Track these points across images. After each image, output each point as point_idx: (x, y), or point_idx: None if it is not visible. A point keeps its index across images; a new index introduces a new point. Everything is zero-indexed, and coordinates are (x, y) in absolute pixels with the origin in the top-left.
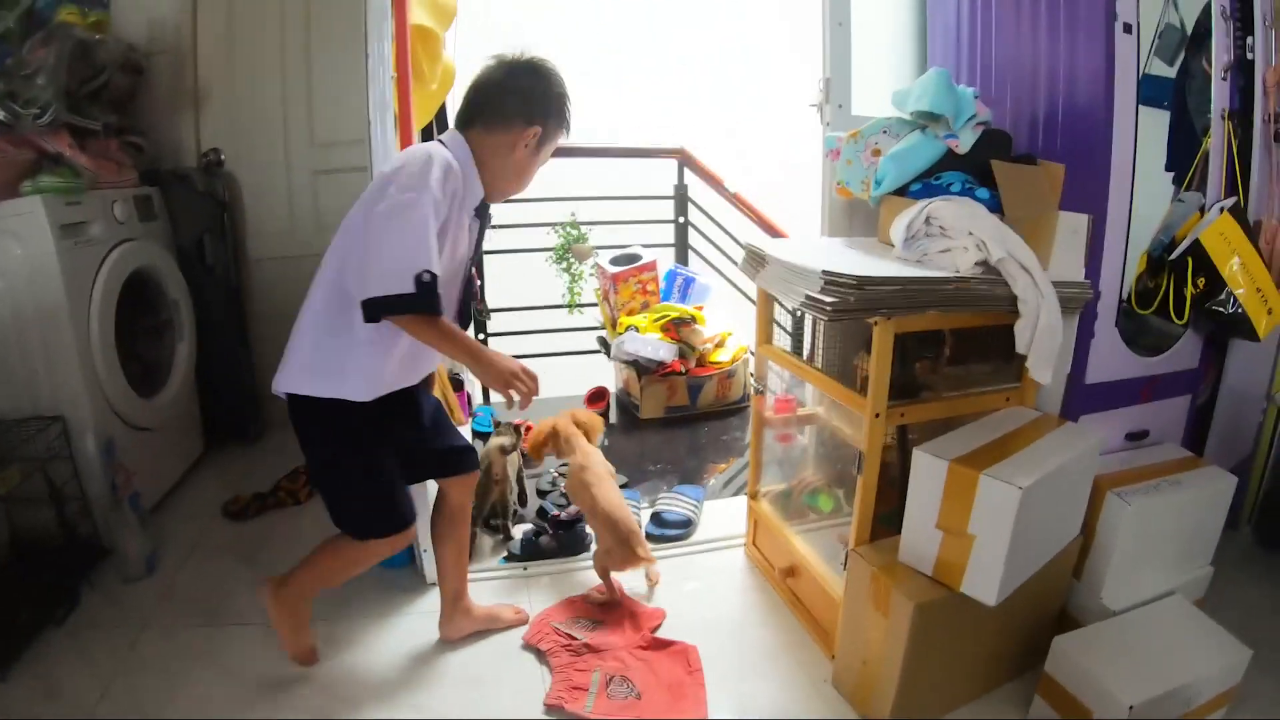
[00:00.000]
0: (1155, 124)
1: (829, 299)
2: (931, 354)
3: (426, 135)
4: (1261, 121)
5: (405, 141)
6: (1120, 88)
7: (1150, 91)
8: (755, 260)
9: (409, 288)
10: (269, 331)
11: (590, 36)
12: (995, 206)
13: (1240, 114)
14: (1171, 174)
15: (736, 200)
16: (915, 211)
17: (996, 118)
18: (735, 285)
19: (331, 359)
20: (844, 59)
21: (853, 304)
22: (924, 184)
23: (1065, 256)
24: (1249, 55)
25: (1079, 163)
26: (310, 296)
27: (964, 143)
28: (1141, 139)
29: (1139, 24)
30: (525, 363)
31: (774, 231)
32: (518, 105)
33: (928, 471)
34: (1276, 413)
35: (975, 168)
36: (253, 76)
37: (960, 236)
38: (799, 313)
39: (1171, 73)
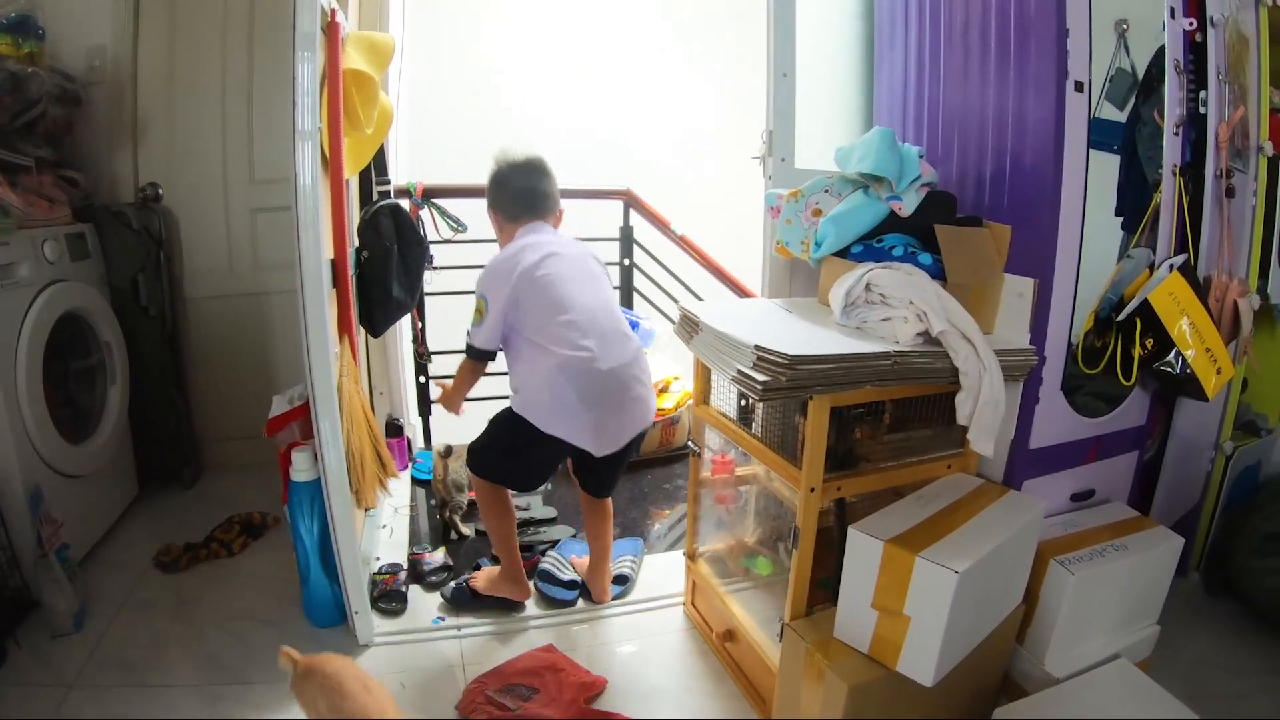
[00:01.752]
0: (1105, 169)
1: (760, 377)
2: (871, 421)
3: (365, 180)
4: (1213, 176)
5: (335, 187)
6: (1070, 148)
7: (1100, 135)
8: (689, 325)
9: None
10: (206, 373)
11: (538, 77)
12: (938, 272)
13: (1191, 168)
14: (1120, 219)
15: (683, 243)
16: (855, 279)
17: (943, 173)
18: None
19: None
20: (788, 111)
21: (784, 383)
22: (865, 246)
23: (1010, 321)
24: (1201, 109)
25: (1026, 223)
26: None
27: (907, 205)
28: (1091, 184)
29: (1090, 76)
30: (466, 406)
31: (721, 274)
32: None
33: (863, 550)
34: (1225, 462)
35: (919, 230)
36: (193, 110)
37: (901, 306)
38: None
39: (1122, 117)
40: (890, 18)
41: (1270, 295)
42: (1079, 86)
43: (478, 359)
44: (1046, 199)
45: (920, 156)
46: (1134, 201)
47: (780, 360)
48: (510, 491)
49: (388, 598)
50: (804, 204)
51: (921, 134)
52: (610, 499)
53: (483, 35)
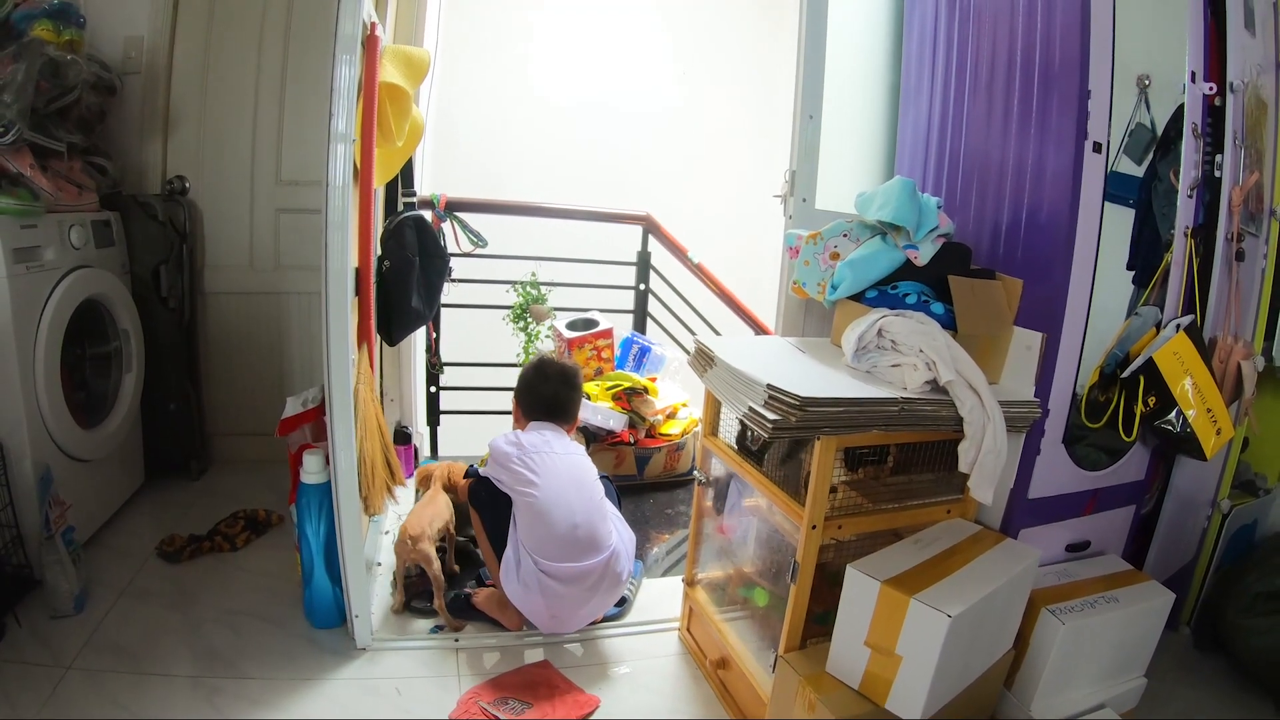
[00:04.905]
0: (1120, 221)
1: (771, 415)
2: (875, 463)
3: (391, 190)
4: (1224, 239)
5: (364, 197)
6: (1085, 208)
7: (1117, 189)
8: (704, 359)
9: None
10: (219, 367)
11: (564, 97)
12: (949, 322)
13: (1203, 229)
14: (1132, 273)
15: (699, 271)
16: (867, 324)
17: (960, 221)
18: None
19: None
20: (812, 153)
21: (794, 423)
22: (880, 292)
23: (1017, 372)
24: (1217, 173)
25: (1038, 278)
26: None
27: (924, 254)
28: (1106, 236)
29: (1109, 135)
30: (474, 418)
31: (734, 304)
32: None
33: (860, 590)
34: (1221, 520)
35: (933, 280)
36: (225, 106)
37: (911, 353)
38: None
39: (1139, 172)
40: (918, 66)
41: (1275, 357)
42: (1097, 147)
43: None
44: (1059, 256)
45: (939, 207)
46: (1146, 257)
47: (791, 401)
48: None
49: (422, 597)
50: (822, 247)
51: (941, 181)
52: None
53: (512, 54)
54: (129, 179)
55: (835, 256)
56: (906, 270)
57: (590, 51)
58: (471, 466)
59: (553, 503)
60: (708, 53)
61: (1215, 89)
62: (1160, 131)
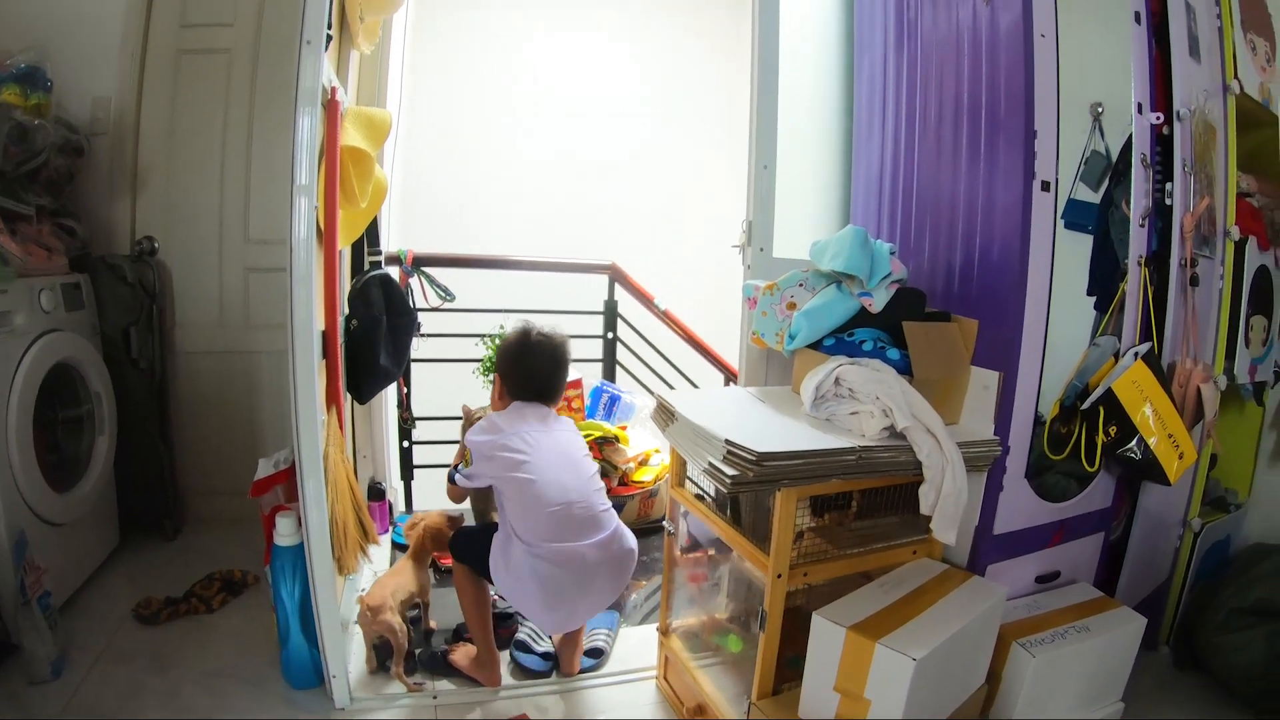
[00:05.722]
0: (1079, 248)
1: (730, 470)
2: (839, 509)
3: (357, 250)
4: (1178, 265)
5: (329, 260)
6: (1036, 246)
7: (1075, 216)
8: (665, 415)
9: None
10: (192, 426)
11: (532, 146)
12: (906, 367)
13: (1158, 256)
14: (1094, 299)
15: (666, 318)
16: (824, 373)
17: (915, 263)
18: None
19: None
20: (767, 202)
21: (752, 478)
22: (837, 339)
23: (976, 411)
24: (1168, 201)
25: (993, 318)
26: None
27: (878, 301)
28: (1066, 264)
29: (1057, 179)
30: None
31: (702, 348)
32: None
33: (826, 636)
34: (1193, 539)
35: (889, 325)
36: (192, 165)
37: (868, 401)
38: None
39: (1096, 198)
40: (868, 112)
41: (1236, 375)
42: (1045, 186)
43: (459, 489)
44: (1013, 295)
45: (892, 253)
46: (1105, 282)
47: (748, 456)
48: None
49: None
50: (779, 297)
51: (895, 224)
52: None
53: (479, 106)
54: (98, 240)
55: (792, 306)
56: (862, 317)
57: (557, 100)
58: (454, 470)
59: (545, 481)
60: (673, 98)
61: (1162, 118)
62: (1115, 158)
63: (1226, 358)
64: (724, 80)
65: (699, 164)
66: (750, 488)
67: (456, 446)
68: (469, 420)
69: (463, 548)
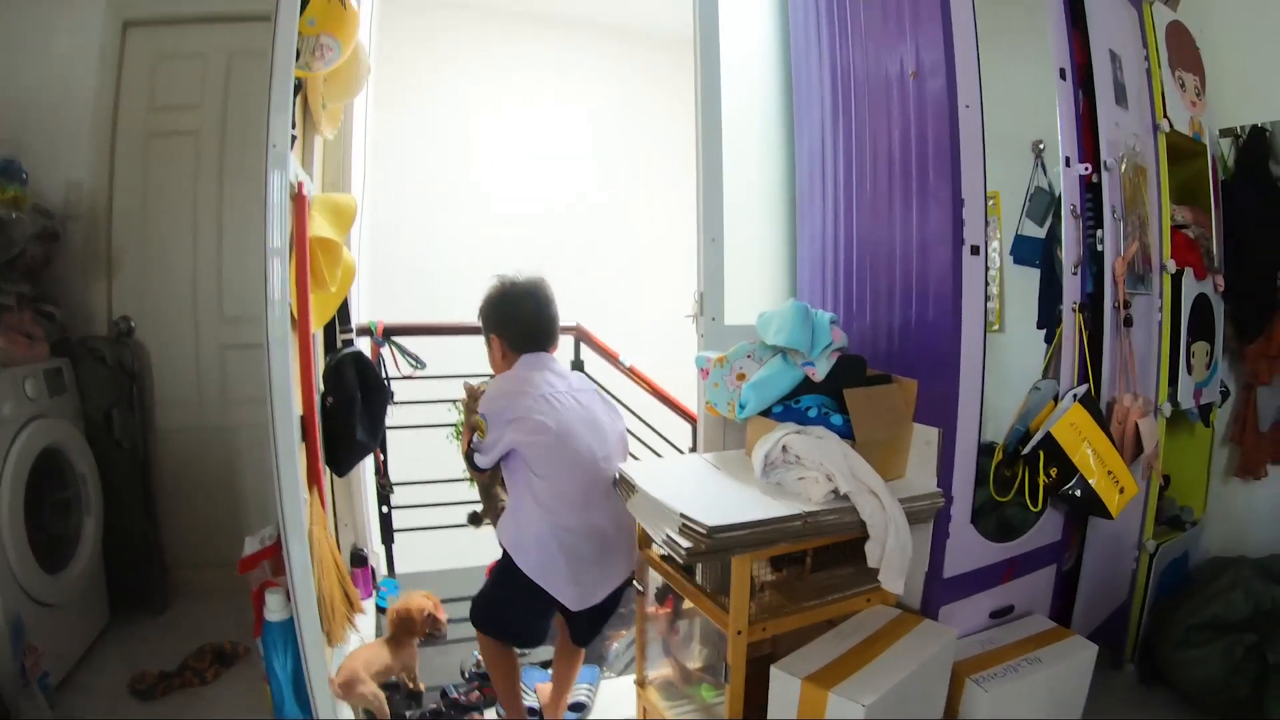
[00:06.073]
0: (1028, 282)
1: (685, 543)
2: (795, 565)
3: (329, 330)
4: (1111, 308)
5: (304, 348)
6: (968, 306)
7: (1022, 251)
8: (626, 487)
9: None
10: (177, 501)
11: (498, 207)
12: (848, 432)
13: (1094, 297)
14: (1043, 331)
15: (632, 374)
16: (772, 442)
17: (859, 326)
18: (632, 456)
19: None
20: (717, 274)
21: (704, 550)
22: (785, 407)
23: (920, 466)
24: (1099, 247)
25: (931, 375)
26: None
27: (820, 370)
28: (1017, 298)
29: (986, 241)
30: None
31: (668, 401)
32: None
33: (783, 687)
34: (1149, 560)
35: (833, 391)
36: (165, 246)
37: (814, 467)
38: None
39: (1042, 233)
40: (809, 181)
41: (1180, 402)
42: (975, 250)
43: (481, 472)
44: (949, 353)
45: (833, 322)
46: (1054, 315)
47: (700, 529)
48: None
49: None
50: (729, 369)
51: (839, 288)
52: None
53: (437, 174)
54: (76, 322)
55: (741, 377)
56: (808, 384)
57: (520, 163)
58: (471, 450)
59: (575, 439)
60: (632, 158)
61: (1090, 169)
62: (1058, 194)
63: (1170, 385)
64: (680, 141)
65: (660, 219)
66: (704, 558)
67: (463, 441)
68: (472, 396)
69: (484, 618)
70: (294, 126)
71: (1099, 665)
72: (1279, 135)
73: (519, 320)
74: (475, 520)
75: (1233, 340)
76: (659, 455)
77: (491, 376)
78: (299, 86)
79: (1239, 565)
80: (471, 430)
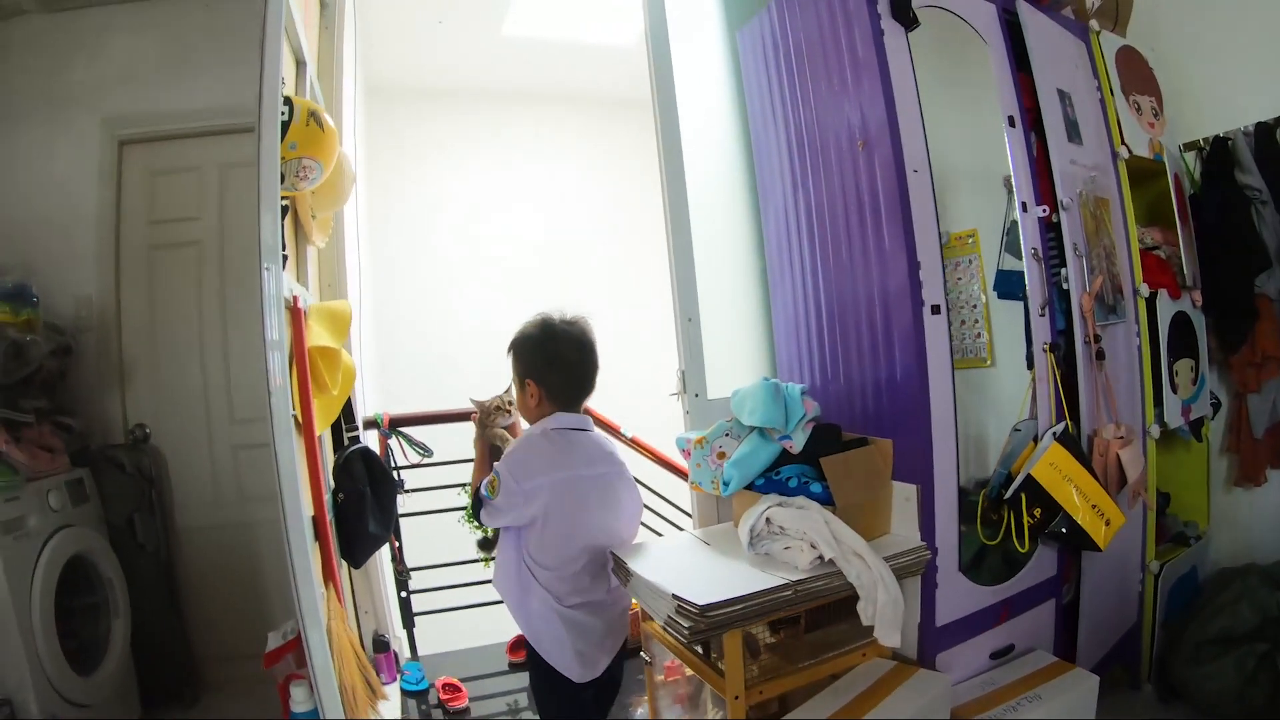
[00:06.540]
0: (1013, 317)
1: (684, 623)
2: (790, 626)
3: (336, 428)
4: (1083, 343)
5: (310, 451)
6: (934, 365)
7: (1005, 286)
8: (623, 571)
9: None
10: (201, 596)
11: (486, 295)
12: (829, 498)
13: (1066, 333)
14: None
15: (635, 444)
16: (756, 515)
17: (835, 390)
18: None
19: None
20: (697, 352)
21: (703, 628)
22: (766, 479)
23: (903, 521)
24: (1064, 285)
25: (905, 433)
26: None
27: (797, 443)
28: (1004, 333)
29: (946, 300)
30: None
31: (673, 468)
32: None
33: None
34: (1154, 580)
35: (812, 459)
36: (175, 353)
37: (798, 536)
38: None
39: (1022, 265)
40: (778, 250)
41: (1168, 422)
42: (935, 309)
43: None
44: (919, 411)
45: (804, 393)
46: None
47: (693, 609)
48: None
49: None
50: (709, 449)
51: (813, 354)
52: None
53: (432, 261)
54: (93, 431)
55: (722, 455)
56: (786, 455)
57: (510, 241)
58: (481, 494)
59: (586, 529)
60: (621, 226)
61: (1048, 210)
62: None
63: (1156, 406)
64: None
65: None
66: (703, 635)
67: (474, 472)
68: (485, 415)
69: (548, 705)
70: (284, 246)
71: (1118, 687)
72: (1240, 143)
73: (562, 370)
74: (486, 546)
75: (1217, 352)
76: (669, 521)
77: (504, 397)
78: (286, 209)
79: (1246, 575)
80: (485, 451)
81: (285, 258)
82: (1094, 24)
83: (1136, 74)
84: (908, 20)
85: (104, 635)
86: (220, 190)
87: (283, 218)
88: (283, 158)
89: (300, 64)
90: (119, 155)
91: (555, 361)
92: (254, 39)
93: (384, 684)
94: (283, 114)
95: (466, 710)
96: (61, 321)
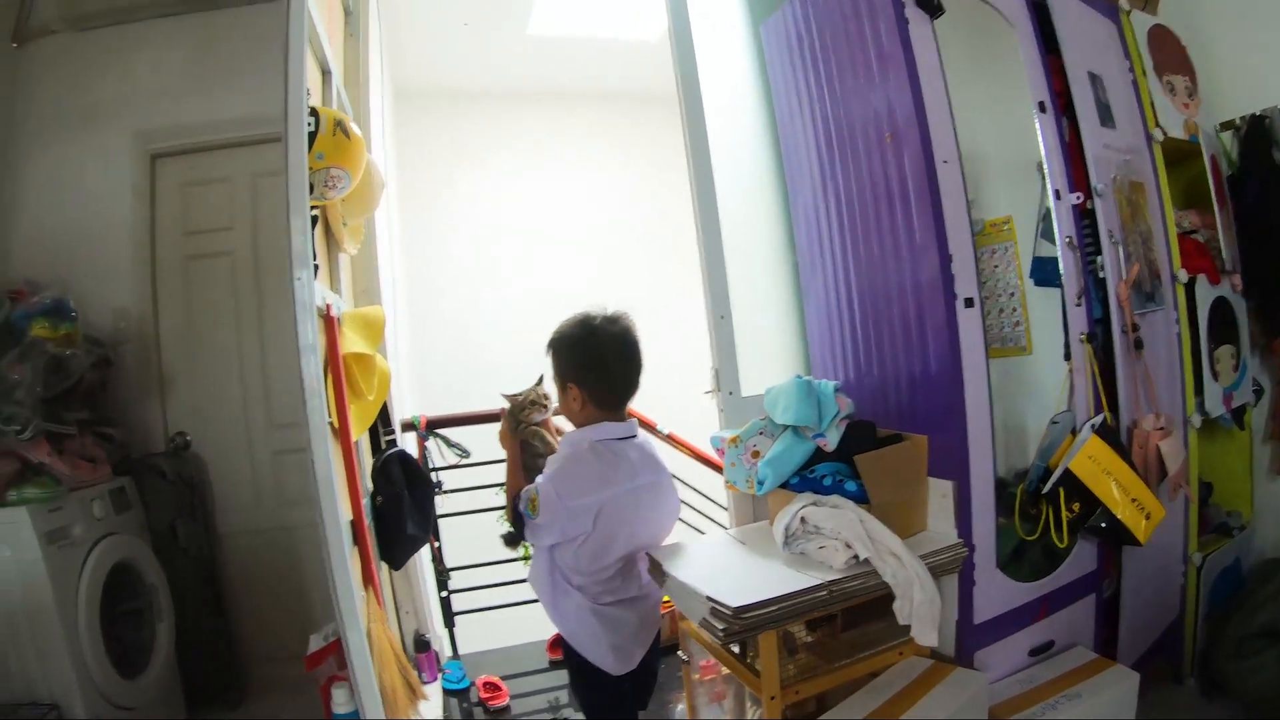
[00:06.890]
0: (1051, 304)
1: (719, 624)
2: (826, 625)
3: (374, 432)
4: (1120, 332)
5: (347, 456)
6: (968, 359)
7: (1042, 273)
8: (658, 571)
9: None
10: (244, 599)
11: (521, 291)
12: (864, 496)
13: (1103, 323)
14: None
15: (671, 440)
16: (790, 515)
17: (870, 386)
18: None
19: None
20: (729, 349)
21: (737, 629)
22: (801, 478)
23: (939, 517)
24: (1100, 274)
25: (939, 429)
26: None
27: (831, 441)
28: (1043, 321)
29: (980, 297)
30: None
31: (709, 463)
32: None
33: None
34: (1196, 572)
35: (847, 457)
36: (213, 361)
37: (832, 536)
38: None
39: (1057, 252)
40: (809, 244)
41: (1209, 410)
42: (969, 302)
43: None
44: (954, 406)
45: (837, 390)
46: None
47: (727, 611)
48: None
49: None
50: (743, 448)
51: (847, 348)
52: None
53: (465, 260)
54: (134, 440)
55: (756, 455)
56: (821, 453)
57: (543, 239)
58: (521, 512)
59: (623, 539)
60: (651, 225)
61: (1082, 198)
62: None
63: (1196, 395)
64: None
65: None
66: (738, 636)
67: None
68: (517, 409)
69: (587, 700)
70: (315, 255)
71: (1161, 681)
72: (1278, 121)
73: (607, 373)
74: (512, 541)
75: (1260, 337)
76: (707, 517)
77: (539, 389)
78: (316, 218)
79: None
80: (517, 451)
81: (317, 267)
82: (1124, 3)
83: (1169, 53)
84: (932, 7)
85: (148, 639)
86: (253, 200)
87: (313, 227)
88: (311, 168)
89: (326, 73)
90: (151, 168)
91: (596, 363)
92: (280, 49)
93: (425, 683)
94: (309, 125)
95: (507, 708)
96: (100, 334)
